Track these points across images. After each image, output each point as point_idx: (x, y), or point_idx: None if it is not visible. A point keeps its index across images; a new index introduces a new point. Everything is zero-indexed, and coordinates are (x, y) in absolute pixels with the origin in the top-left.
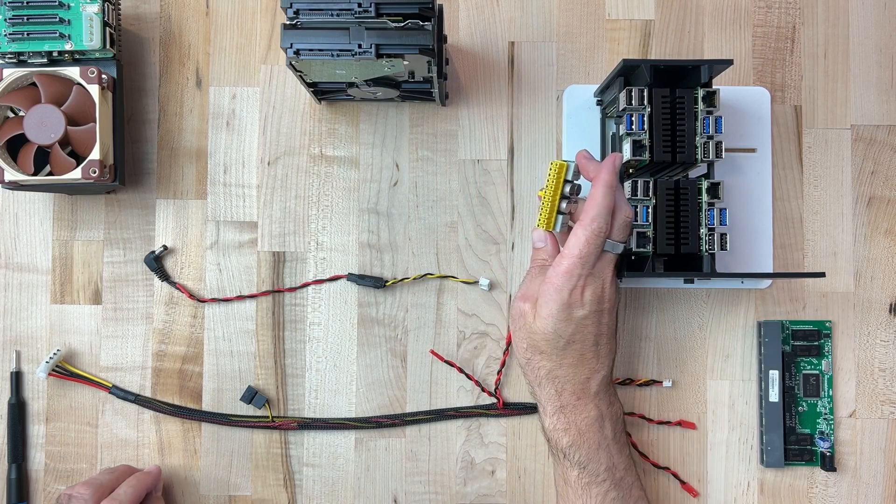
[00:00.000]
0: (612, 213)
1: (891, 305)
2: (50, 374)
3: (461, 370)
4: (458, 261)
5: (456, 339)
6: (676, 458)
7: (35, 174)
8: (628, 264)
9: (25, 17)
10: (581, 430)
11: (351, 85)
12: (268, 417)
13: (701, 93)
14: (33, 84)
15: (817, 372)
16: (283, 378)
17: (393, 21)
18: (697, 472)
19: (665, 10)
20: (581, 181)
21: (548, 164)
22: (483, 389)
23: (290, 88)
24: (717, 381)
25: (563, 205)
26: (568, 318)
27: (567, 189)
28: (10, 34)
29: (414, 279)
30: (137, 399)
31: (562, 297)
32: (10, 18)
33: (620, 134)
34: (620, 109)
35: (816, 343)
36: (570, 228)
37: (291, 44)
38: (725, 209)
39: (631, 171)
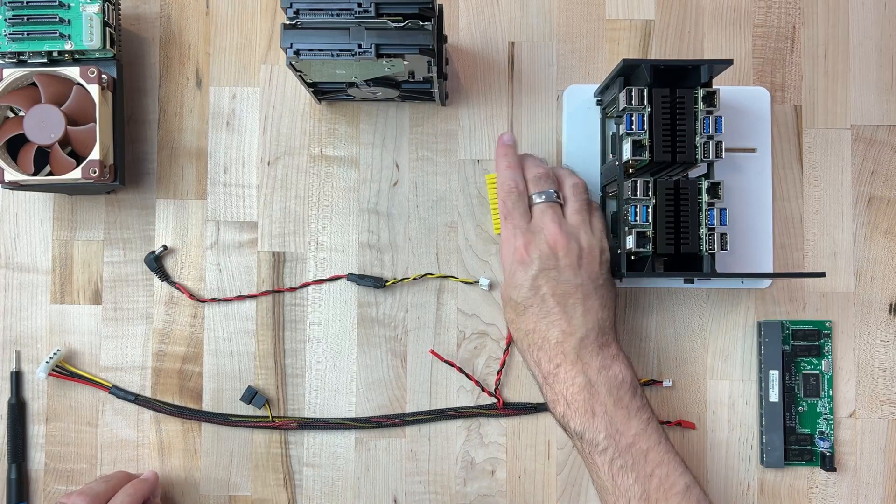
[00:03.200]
0: (523, 170)
1: (891, 305)
2: (50, 374)
3: (461, 370)
4: (458, 261)
5: (456, 339)
6: None
7: (35, 174)
8: (628, 264)
9: (25, 17)
10: (568, 399)
11: (351, 85)
12: (268, 417)
13: (701, 93)
14: (33, 84)
15: (817, 372)
16: (283, 378)
17: (393, 21)
18: (697, 472)
19: (665, 10)
20: None
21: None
22: (483, 389)
23: (290, 88)
24: (717, 381)
25: None
26: (519, 281)
27: None
28: (10, 34)
29: (414, 279)
30: (137, 399)
31: (507, 259)
32: (10, 18)
33: (620, 134)
34: (620, 109)
35: (816, 343)
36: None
37: (291, 44)
38: (725, 209)
39: (631, 171)
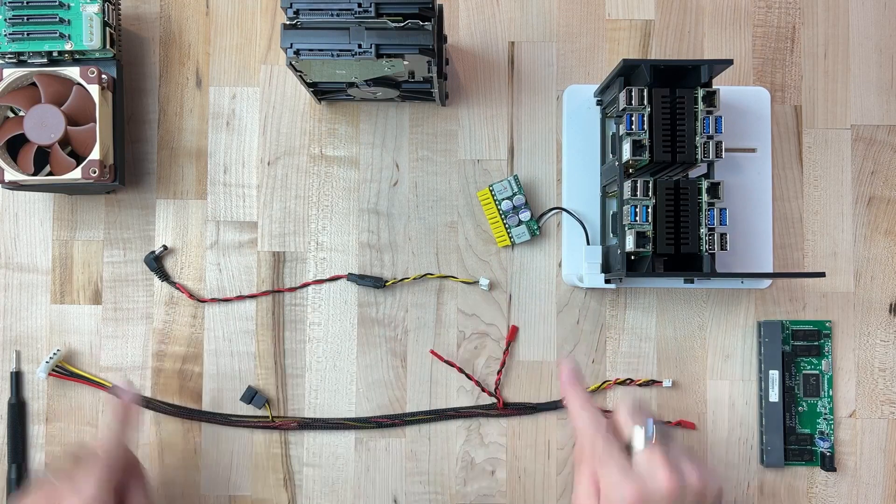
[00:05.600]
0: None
1: (891, 305)
2: (50, 374)
3: (461, 370)
4: (458, 261)
5: (456, 339)
6: None
7: (35, 174)
8: (628, 264)
9: (25, 17)
10: None
11: (351, 85)
12: (268, 417)
13: (701, 93)
14: (33, 84)
15: (817, 372)
16: (283, 378)
17: (393, 21)
18: None
19: (665, 10)
20: (519, 191)
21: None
22: (483, 389)
23: (290, 88)
24: (717, 381)
25: (513, 220)
26: None
27: (504, 206)
28: (10, 34)
29: (414, 279)
30: None
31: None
32: (10, 18)
33: (620, 134)
34: (620, 109)
35: (816, 343)
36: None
37: (291, 44)
38: (725, 209)
39: (631, 171)
